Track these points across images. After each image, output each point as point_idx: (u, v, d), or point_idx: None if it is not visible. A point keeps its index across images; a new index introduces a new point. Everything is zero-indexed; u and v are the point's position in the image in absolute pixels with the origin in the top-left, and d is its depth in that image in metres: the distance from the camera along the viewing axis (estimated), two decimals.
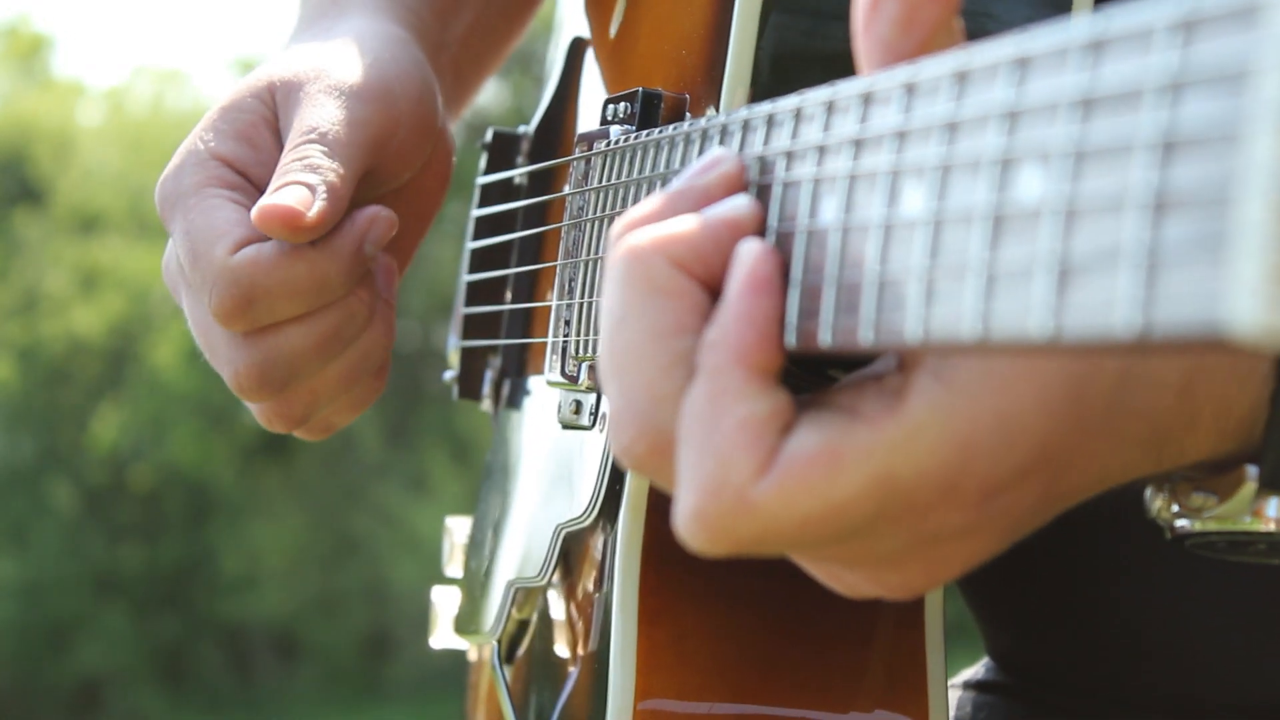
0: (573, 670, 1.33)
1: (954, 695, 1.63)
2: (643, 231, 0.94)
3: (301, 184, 1.37)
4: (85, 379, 15.69)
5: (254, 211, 1.36)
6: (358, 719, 14.96)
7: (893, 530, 0.88)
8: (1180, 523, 0.98)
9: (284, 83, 1.46)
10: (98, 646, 15.02)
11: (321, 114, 1.42)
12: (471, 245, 1.74)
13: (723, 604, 1.24)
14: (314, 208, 1.36)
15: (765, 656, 1.24)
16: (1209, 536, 0.98)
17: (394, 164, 1.49)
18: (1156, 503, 1.00)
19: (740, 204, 0.95)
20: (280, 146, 1.45)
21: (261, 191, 1.43)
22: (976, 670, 1.65)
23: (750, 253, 0.91)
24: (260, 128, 1.46)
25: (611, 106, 1.34)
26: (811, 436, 0.86)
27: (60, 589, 15.05)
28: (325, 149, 1.40)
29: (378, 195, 1.51)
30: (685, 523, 0.90)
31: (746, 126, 1.01)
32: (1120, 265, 0.68)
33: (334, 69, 1.47)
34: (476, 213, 1.76)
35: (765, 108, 0.98)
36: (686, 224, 0.94)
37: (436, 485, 15.76)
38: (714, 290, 0.93)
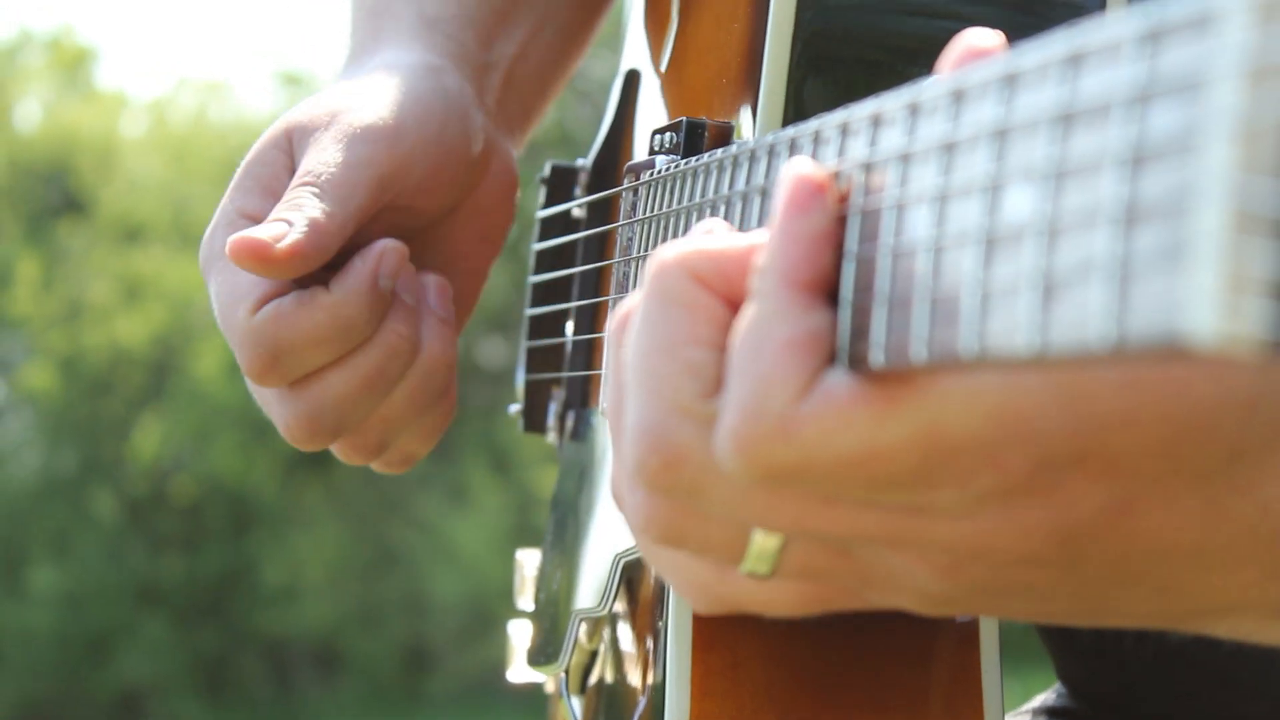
0: (640, 700, 1.33)
1: None
2: (673, 246, 0.92)
3: (279, 220, 1.39)
4: (128, 389, 15.73)
5: (225, 247, 1.37)
6: None
7: (943, 485, 0.84)
8: None
9: (299, 128, 1.48)
10: (138, 657, 15.05)
11: (320, 158, 1.43)
12: (533, 279, 1.76)
13: (778, 629, 1.23)
14: (285, 240, 1.36)
15: (821, 680, 1.23)
16: None
17: (420, 197, 1.51)
18: None
19: None
20: None
21: None
22: (1048, 696, 1.63)
23: (791, 174, 0.88)
24: (283, 177, 1.46)
25: (658, 137, 1.35)
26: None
27: (101, 599, 15.08)
28: (317, 190, 1.41)
29: (423, 226, 1.53)
30: (723, 443, 0.86)
31: (771, 151, 1.01)
32: (1094, 278, 0.69)
33: (345, 112, 1.48)
34: (537, 246, 1.78)
35: (789, 132, 0.99)
36: (712, 240, 0.92)
37: (477, 498, 15.73)
38: (736, 306, 0.90)
